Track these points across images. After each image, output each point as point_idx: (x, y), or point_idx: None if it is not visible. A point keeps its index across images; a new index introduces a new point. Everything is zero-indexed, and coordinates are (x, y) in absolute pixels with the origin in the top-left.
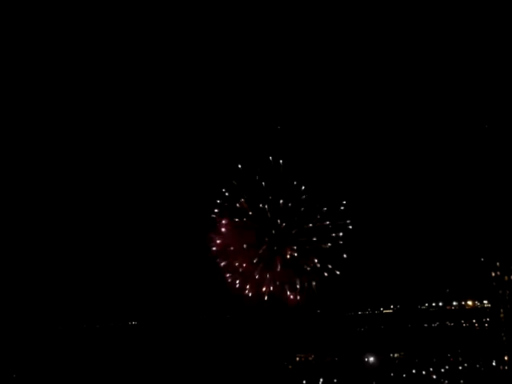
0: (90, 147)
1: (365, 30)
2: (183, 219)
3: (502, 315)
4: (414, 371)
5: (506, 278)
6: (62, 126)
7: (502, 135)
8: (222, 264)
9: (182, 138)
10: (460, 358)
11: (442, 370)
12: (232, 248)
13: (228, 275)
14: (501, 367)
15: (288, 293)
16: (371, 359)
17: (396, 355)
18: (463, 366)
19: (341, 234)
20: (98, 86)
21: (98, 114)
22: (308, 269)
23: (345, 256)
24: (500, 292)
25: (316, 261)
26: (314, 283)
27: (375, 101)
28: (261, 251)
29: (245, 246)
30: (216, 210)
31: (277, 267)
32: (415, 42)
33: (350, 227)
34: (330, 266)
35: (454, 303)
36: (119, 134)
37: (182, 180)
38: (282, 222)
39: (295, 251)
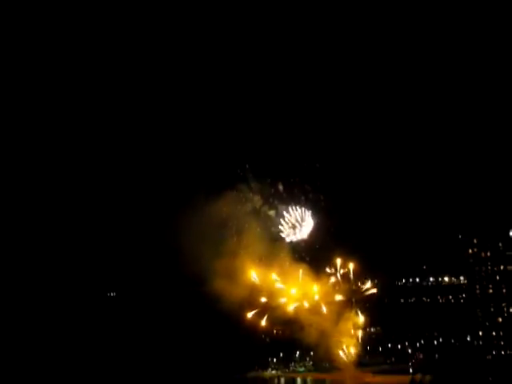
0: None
1: (367, 32)
2: None
3: (477, 291)
4: (389, 345)
5: (483, 254)
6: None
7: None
8: None
9: None
10: (435, 333)
11: (418, 345)
12: None
13: None
14: (475, 342)
15: None
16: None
17: (373, 329)
18: (438, 341)
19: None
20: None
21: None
22: None
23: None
24: (476, 268)
25: None
26: None
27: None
28: None
29: None
30: None
31: None
32: (416, 41)
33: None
34: None
35: (431, 279)
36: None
37: None
38: None
39: None
